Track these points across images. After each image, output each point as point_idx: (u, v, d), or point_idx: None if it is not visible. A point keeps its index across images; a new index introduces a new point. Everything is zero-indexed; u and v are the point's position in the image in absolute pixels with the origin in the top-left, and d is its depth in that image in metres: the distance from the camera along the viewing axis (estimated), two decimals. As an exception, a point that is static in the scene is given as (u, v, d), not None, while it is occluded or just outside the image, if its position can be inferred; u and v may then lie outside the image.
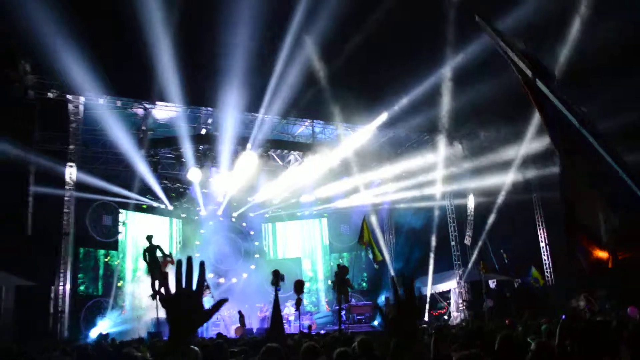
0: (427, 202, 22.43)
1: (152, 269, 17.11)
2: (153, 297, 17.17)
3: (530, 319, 13.13)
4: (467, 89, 18.36)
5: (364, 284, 24.51)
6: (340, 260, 24.01)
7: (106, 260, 20.26)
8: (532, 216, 23.36)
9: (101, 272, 20.04)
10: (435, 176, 21.24)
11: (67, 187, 17.76)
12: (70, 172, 17.82)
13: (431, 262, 22.28)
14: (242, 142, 19.14)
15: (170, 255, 17.79)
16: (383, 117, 19.55)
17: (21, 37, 16.01)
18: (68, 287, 17.38)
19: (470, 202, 21.49)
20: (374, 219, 22.67)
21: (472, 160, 20.62)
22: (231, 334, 18.00)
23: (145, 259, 17.36)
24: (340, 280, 15.54)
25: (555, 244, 22.73)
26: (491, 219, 21.73)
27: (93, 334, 17.91)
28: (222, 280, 22.85)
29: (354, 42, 17.91)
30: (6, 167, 16.58)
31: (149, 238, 17.45)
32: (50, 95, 17.04)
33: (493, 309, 18.46)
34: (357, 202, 22.92)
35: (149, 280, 20.13)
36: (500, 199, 21.30)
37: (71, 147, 17.88)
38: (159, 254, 17.33)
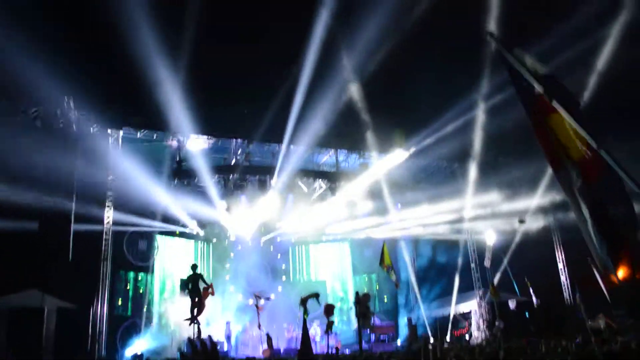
0: (450, 234, 23.08)
1: (193, 296, 17.75)
2: (190, 321, 17.86)
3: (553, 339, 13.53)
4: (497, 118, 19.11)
5: (388, 304, 25.12)
6: (367, 281, 24.83)
7: (140, 283, 21.26)
8: (549, 237, 23.74)
9: (136, 294, 21.03)
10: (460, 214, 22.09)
11: (106, 214, 18.83)
12: (109, 206, 18.89)
13: (456, 282, 22.75)
14: (269, 171, 20.09)
15: (210, 286, 18.53)
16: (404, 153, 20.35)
17: (64, 73, 17.25)
18: (106, 309, 18.31)
19: (489, 240, 22.11)
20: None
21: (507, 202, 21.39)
22: (259, 354, 18.76)
23: (187, 286, 18.05)
24: (363, 308, 16.16)
25: (573, 264, 23.06)
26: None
27: (128, 353, 18.81)
28: (250, 301, 23.67)
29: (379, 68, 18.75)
30: (51, 199, 17.72)
31: (194, 267, 18.27)
32: (91, 130, 18.25)
33: (503, 330, 18.88)
34: (380, 234, 23.57)
35: (181, 302, 21.19)
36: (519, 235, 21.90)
37: (110, 177, 19.01)
38: (201, 283, 18.05)
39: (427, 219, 22.93)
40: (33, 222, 16.61)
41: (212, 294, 18.63)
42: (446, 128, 19.43)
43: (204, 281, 18.10)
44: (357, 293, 17.73)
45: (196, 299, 17.71)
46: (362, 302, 16.46)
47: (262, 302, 19.73)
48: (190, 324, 17.83)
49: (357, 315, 15.87)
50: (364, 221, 24.12)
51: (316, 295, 15.10)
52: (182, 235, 22.65)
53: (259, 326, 19.01)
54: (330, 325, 15.65)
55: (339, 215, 23.93)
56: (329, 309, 15.44)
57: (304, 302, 15.59)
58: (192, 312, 17.66)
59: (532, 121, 5.18)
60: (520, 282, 22.29)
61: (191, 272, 18.14)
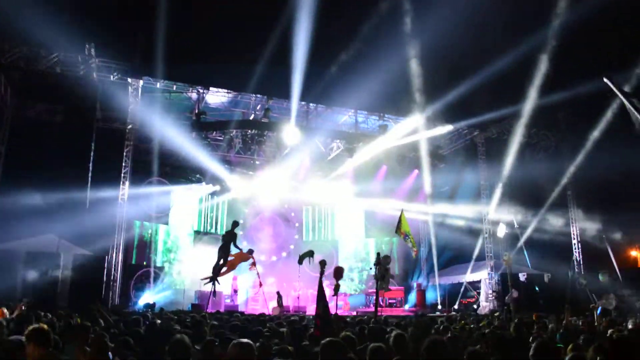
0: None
1: (220, 254, 17.64)
2: (208, 280, 17.82)
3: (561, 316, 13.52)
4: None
5: (396, 270, 25.26)
6: (379, 243, 24.95)
7: (155, 234, 21.49)
8: (566, 212, 23.59)
9: (151, 245, 21.28)
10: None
11: (123, 163, 18.90)
12: (127, 151, 18.94)
13: (476, 250, 22.82)
14: (288, 128, 19.90)
15: (251, 251, 18.46)
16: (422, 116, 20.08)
17: (87, 21, 17.05)
18: (121, 257, 18.58)
19: (501, 231, 22.10)
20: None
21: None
22: (269, 311, 19.01)
23: (222, 240, 18.01)
24: (383, 269, 16.12)
25: (587, 241, 22.99)
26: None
27: (141, 302, 19.16)
28: (262, 257, 23.93)
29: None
30: (70, 145, 17.82)
31: (234, 224, 18.13)
32: (112, 77, 18.12)
33: (517, 300, 18.93)
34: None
35: (194, 254, 21.44)
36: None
37: (129, 126, 18.99)
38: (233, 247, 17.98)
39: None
40: (51, 170, 16.61)
41: (247, 259, 18.53)
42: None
43: (235, 244, 17.87)
44: (378, 254, 17.65)
45: (221, 260, 17.53)
46: (382, 264, 16.41)
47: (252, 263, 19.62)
48: (206, 283, 17.90)
49: (376, 277, 15.90)
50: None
51: (310, 254, 15.07)
52: (198, 188, 22.66)
53: (260, 284, 19.15)
54: (337, 287, 15.70)
55: (354, 177, 23.90)
56: (338, 272, 15.45)
57: (300, 260, 15.62)
58: (213, 270, 17.53)
59: None
60: (533, 255, 22.32)
61: (229, 228, 17.92)
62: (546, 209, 22.22)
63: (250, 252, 18.43)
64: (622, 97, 5.34)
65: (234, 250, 18.18)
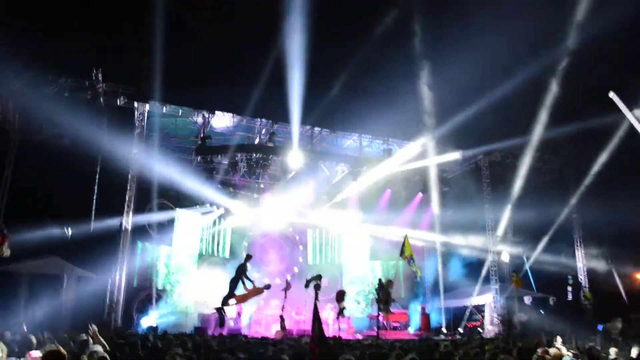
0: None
1: (232, 285, 17.34)
2: (218, 310, 17.48)
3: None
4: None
5: (402, 292, 25.12)
6: (384, 267, 24.92)
7: (158, 256, 21.50)
8: (570, 236, 23.54)
9: (154, 267, 21.30)
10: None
11: (128, 186, 19.02)
12: (132, 175, 19.06)
13: (482, 274, 22.76)
14: (292, 152, 20.04)
15: (268, 286, 18.36)
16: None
17: (95, 46, 17.39)
18: (124, 279, 18.57)
19: (505, 256, 22.13)
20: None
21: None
22: (271, 334, 18.90)
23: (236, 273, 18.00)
24: (385, 294, 16.15)
25: (593, 264, 22.91)
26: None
27: (144, 323, 19.11)
28: (266, 280, 23.83)
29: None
30: (75, 168, 18.00)
31: (247, 258, 18.04)
32: (119, 102, 18.35)
33: (525, 323, 18.79)
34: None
35: (198, 277, 21.44)
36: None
37: (135, 151, 19.15)
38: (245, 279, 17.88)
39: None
40: (56, 189, 16.76)
41: (261, 292, 18.41)
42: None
43: (245, 277, 17.78)
44: (380, 280, 17.64)
45: (233, 290, 17.45)
46: (384, 289, 16.42)
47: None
48: (215, 311, 17.76)
49: (378, 301, 15.87)
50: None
51: (318, 278, 15.12)
52: (203, 210, 22.75)
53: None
54: (341, 310, 15.68)
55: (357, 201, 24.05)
56: (340, 295, 15.46)
57: (307, 284, 15.66)
58: (223, 301, 17.49)
59: None
60: (537, 279, 22.26)
61: (243, 261, 17.87)
62: (552, 234, 22.25)
63: (268, 287, 18.33)
64: (627, 113, 5.44)
65: (247, 284, 18.12)
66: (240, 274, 17.44)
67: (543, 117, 19.38)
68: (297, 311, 21.17)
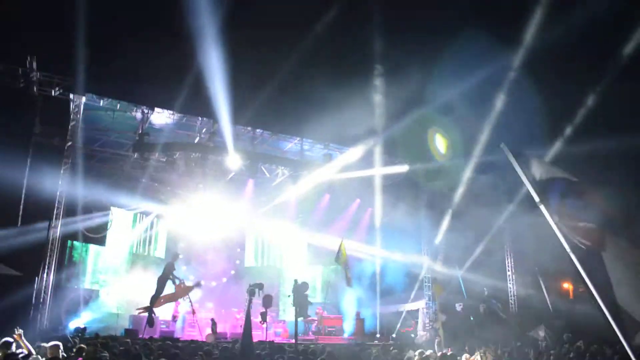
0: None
1: (159, 286, 17.48)
2: (144, 310, 17.63)
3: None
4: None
5: (337, 297, 25.27)
6: (321, 272, 25.05)
7: (90, 255, 20.85)
8: (501, 244, 24.35)
9: (86, 266, 20.62)
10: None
11: (60, 181, 18.35)
12: (65, 168, 18.41)
13: (418, 280, 23.13)
14: (232, 153, 19.86)
15: (183, 282, 18.27)
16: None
17: (30, 33, 16.71)
18: (52, 279, 17.86)
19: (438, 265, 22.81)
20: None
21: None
22: (203, 338, 18.64)
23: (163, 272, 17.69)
24: (299, 296, 16.12)
25: (521, 273, 23.79)
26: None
27: (72, 325, 18.41)
28: (202, 282, 23.50)
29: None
30: (5, 158, 17.18)
31: (174, 257, 17.87)
32: (53, 92, 17.70)
33: (446, 324, 19.28)
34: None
35: (131, 278, 20.92)
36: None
37: (69, 143, 18.51)
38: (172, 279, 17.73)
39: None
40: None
41: (184, 291, 18.41)
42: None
43: (173, 277, 17.67)
44: (295, 281, 17.68)
45: (161, 290, 17.27)
46: (298, 291, 16.44)
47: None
48: (140, 312, 17.56)
49: (294, 304, 15.89)
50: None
51: (260, 286, 15.30)
52: (138, 208, 22.18)
53: (193, 312, 18.95)
54: (263, 315, 15.75)
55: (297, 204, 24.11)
56: (267, 300, 15.53)
57: (250, 291, 15.69)
58: (152, 300, 17.23)
59: None
60: (468, 287, 22.93)
61: (170, 260, 17.69)
62: (485, 243, 22.96)
63: (198, 284, 18.23)
64: (517, 168, 5.67)
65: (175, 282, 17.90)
66: (168, 273, 17.29)
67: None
68: (234, 314, 21.01)
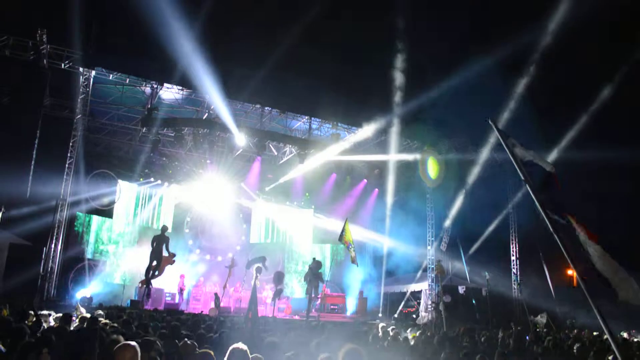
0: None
1: (152, 258, 17.63)
2: (143, 283, 17.92)
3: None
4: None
5: (340, 276, 25.48)
6: (326, 249, 25.21)
7: (98, 226, 21.09)
8: (506, 227, 24.34)
9: (92, 237, 20.88)
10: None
11: (69, 153, 18.56)
12: (74, 141, 18.60)
13: (426, 261, 23.19)
14: (240, 130, 19.89)
15: (172, 256, 18.53)
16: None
17: (40, 5, 16.71)
18: (60, 249, 18.17)
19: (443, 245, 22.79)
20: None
21: None
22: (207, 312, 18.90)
23: (152, 245, 17.95)
24: (312, 274, 16.31)
25: (525, 257, 23.80)
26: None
27: (78, 295, 18.75)
28: (208, 257, 23.80)
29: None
30: (15, 130, 17.35)
31: (164, 229, 18.00)
32: (63, 65, 17.76)
33: (449, 305, 19.39)
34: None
35: (137, 250, 21.17)
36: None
37: (78, 116, 18.66)
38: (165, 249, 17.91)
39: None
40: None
41: (172, 263, 18.71)
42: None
43: (167, 249, 17.96)
44: (313, 259, 17.77)
45: (154, 262, 17.54)
46: (312, 268, 16.64)
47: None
48: (141, 286, 17.86)
49: (306, 279, 16.13)
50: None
51: (262, 260, 15.41)
52: (146, 182, 22.35)
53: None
54: (278, 292, 15.91)
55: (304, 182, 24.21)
56: (279, 277, 15.68)
57: (249, 265, 15.87)
58: (147, 274, 17.55)
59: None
60: (472, 270, 22.98)
61: (159, 233, 17.96)
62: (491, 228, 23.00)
63: (172, 255, 18.51)
64: (504, 144, 5.85)
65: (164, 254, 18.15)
66: (160, 245, 17.56)
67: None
68: (235, 289, 21.18)
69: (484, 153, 21.81)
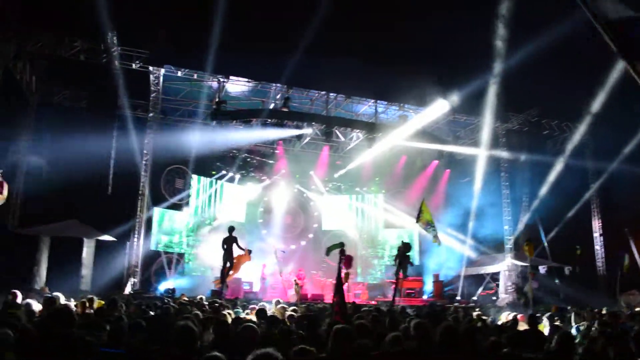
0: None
1: (225, 258, 17.62)
2: (218, 283, 18.09)
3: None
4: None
5: (418, 260, 25.09)
6: (399, 234, 24.90)
7: (176, 221, 21.70)
8: (588, 204, 23.27)
9: (173, 231, 21.51)
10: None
11: (144, 150, 19.14)
12: (149, 139, 19.17)
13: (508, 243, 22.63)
14: (307, 117, 19.95)
15: (249, 252, 18.72)
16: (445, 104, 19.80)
17: (109, 9, 17.24)
18: (142, 243, 18.83)
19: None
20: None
21: None
22: (287, 298, 19.09)
23: (222, 247, 17.90)
24: (402, 257, 16.04)
25: (610, 233, 22.69)
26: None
27: (162, 287, 19.42)
28: (281, 246, 24.03)
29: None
30: (93, 131, 18.13)
31: (231, 229, 18.10)
32: (134, 66, 18.34)
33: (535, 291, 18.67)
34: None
35: (215, 243, 21.62)
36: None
37: (151, 114, 19.22)
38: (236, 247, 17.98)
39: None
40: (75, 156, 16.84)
41: (249, 260, 18.88)
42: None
43: (239, 246, 18.04)
44: (402, 242, 17.44)
45: (227, 263, 17.63)
46: (400, 252, 16.38)
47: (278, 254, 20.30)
48: (217, 286, 18.08)
49: (396, 262, 16.04)
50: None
51: (341, 245, 15.39)
52: (218, 176, 22.82)
53: (280, 274, 19.45)
54: (346, 276, 15.90)
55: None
56: (349, 261, 15.65)
57: (328, 252, 15.90)
58: (222, 273, 17.72)
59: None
60: (553, 248, 22.12)
61: (227, 234, 18.06)
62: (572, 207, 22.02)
63: (248, 252, 18.65)
64: (595, 23, 4.02)
65: (238, 253, 18.31)
66: (230, 246, 17.57)
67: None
68: (313, 276, 21.37)
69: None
